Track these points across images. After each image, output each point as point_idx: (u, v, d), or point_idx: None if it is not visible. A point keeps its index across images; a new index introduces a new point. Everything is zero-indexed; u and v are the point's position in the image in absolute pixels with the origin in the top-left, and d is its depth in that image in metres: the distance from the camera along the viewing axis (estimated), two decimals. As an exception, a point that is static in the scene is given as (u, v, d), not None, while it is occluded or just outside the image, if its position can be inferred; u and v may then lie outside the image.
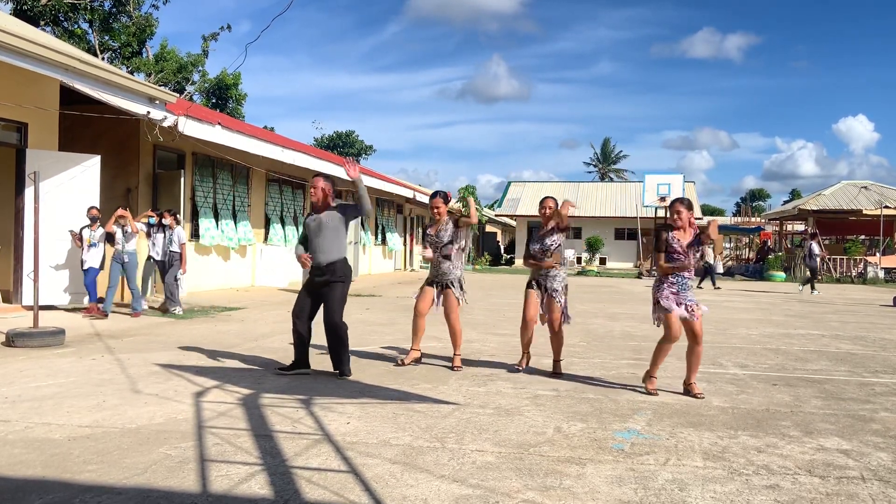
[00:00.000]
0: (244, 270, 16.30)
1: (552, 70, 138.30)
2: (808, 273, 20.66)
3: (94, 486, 3.41)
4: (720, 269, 27.85)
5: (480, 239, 40.72)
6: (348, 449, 4.06)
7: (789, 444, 4.39)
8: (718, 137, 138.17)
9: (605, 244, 35.97)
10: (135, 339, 8.10)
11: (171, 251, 10.95)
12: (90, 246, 10.15)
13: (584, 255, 34.15)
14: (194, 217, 14.18)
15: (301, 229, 6.50)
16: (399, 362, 6.77)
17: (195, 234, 14.17)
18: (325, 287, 6.15)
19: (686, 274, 5.70)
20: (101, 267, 10.28)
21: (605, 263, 38.45)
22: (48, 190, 9.90)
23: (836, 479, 3.76)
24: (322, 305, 6.20)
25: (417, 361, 6.82)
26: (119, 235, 10.30)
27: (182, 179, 12.79)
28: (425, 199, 24.71)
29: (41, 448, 3.97)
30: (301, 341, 6.24)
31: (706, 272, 22.46)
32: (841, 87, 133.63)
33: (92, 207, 10.29)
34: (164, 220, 11.02)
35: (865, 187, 32.50)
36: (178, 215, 11.30)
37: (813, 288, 20.04)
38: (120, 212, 10.32)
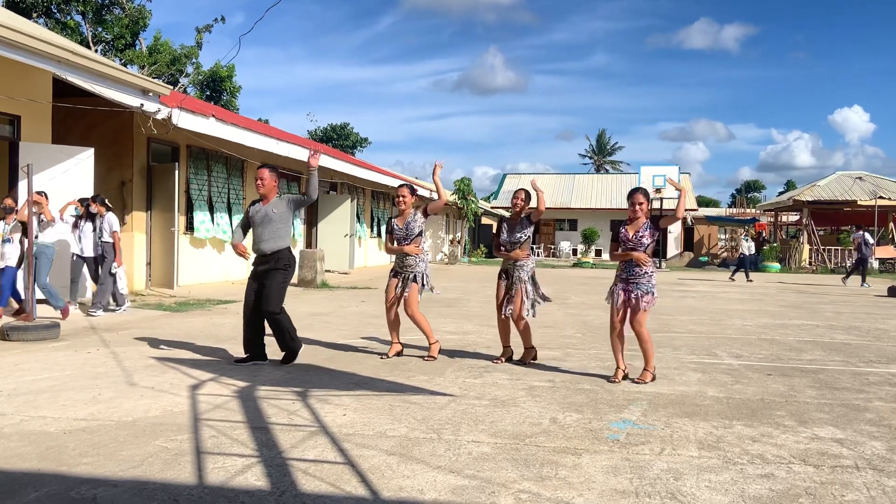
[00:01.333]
0: (239, 263, 16.26)
1: (548, 62, 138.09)
2: (854, 265, 20.10)
3: (89, 478, 3.41)
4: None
5: (476, 231, 40.69)
6: (344, 441, 4.06)
7: (784, 433, 4.41)
8: (714, 128, 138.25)
9: (600, 236, 36.03)
10: (130, 333, 8.08)
11: (103, 242, 9.66)
12: (4, 241, 8.92)
13: (580, 247, 34.21)
14: (189, 210, 14.14)
15: (242, 217, 6.45)
16: (384, 356, 6.79)
17: (189, 227, 14.14)
18: (266, 275, 6.15)
19: (641, 264, 5.70)
20: (19, 266, 9.05)
21: (600, 255, 38.49)
22: (42, 183, 9.83)
23: (831, 468, 3.78)
24: (261, 293, 6.18)
25: (400, 353, 6.83)
26: (33, 224, 8.70)
27: (176, 172, 12.73)
28: (422, 192, 24.67)
29: (37, 441, 3.97)
30: (253, 332, 6.28)
31: (742, 264, 22.09)
32: (837, 78, 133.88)
33: (6, 197, 8.79)
34: (90, 209, 9.73)
35: (860, 178, 32.57)
36: (106, 201, 10.07)
37: (852, 276, 19.80)
38: (35, 197, 8.63)
